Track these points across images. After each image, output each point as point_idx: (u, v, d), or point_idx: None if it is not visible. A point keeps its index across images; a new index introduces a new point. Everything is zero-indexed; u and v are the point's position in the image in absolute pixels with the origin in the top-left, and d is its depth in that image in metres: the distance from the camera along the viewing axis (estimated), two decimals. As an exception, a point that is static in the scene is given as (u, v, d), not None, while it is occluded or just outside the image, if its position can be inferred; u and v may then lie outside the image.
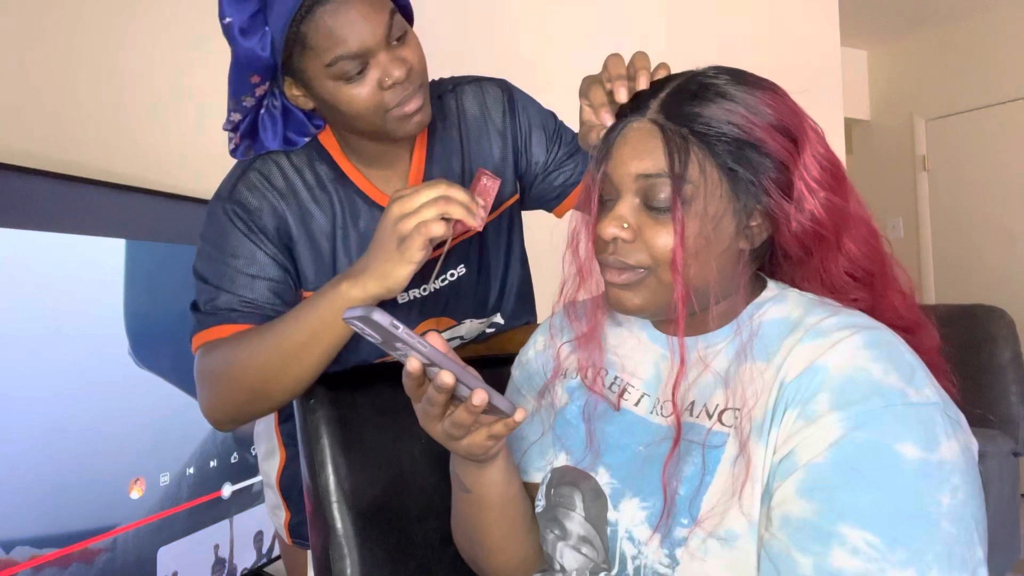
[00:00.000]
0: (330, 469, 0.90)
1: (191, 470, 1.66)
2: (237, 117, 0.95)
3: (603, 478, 0.73)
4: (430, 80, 1.01)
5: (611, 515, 0.71)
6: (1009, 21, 3.69)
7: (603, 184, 0.70)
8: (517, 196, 1.10)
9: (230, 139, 1.00)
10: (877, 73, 4.35)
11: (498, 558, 0.81)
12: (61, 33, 1.75)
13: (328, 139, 1.00)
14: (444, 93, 1.07)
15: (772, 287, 0.74)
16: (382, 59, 0.88)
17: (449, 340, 1.10)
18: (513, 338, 1.15)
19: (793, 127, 0.67)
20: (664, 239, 0.66)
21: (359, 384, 0.98)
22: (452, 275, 1.05)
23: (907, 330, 0.70)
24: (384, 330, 0.58)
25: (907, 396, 0.60)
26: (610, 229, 0.68)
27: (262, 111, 0.96)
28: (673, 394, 0.69)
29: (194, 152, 1.92)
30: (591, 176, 0.72)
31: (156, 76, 1.90)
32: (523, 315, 1.19)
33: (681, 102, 0.67)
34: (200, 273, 0.97)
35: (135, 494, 1.51)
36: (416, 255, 0.81)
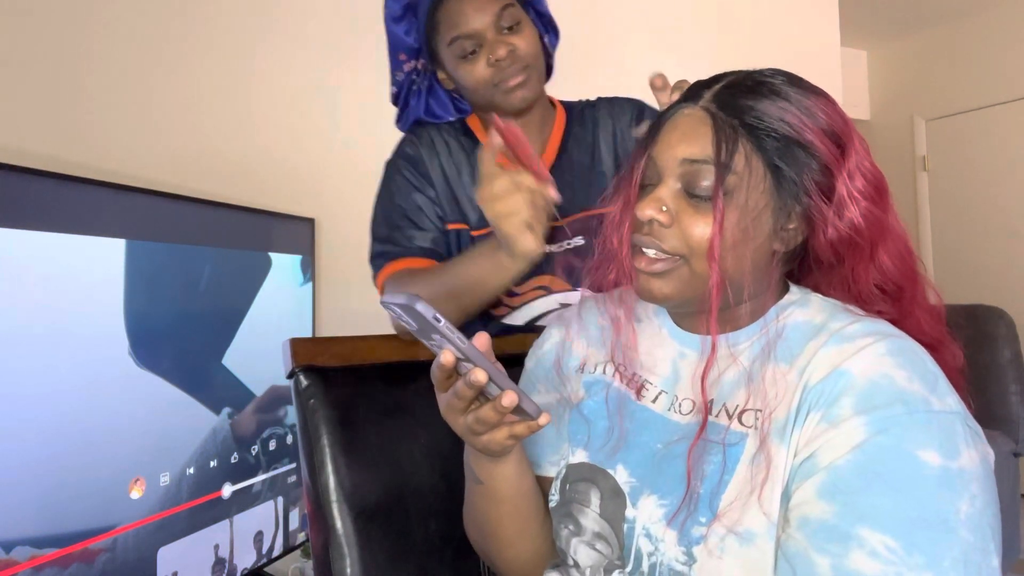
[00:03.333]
0: (330, 469, 0.90)
1: (191, 470, 1.66)
2: (393, 90, 1.21)
3: (622, 476, 0.73)
4: (577, 100, 1.27)
5: (629, 512, 0.70)
6: (1009, 21, 3.69)
7: (647, 167, 0.70)
8: None
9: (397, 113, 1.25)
10: (877, 73, 4.34)
11: (509, 552, 0.81)
12: (60, 32, 1.75)
13: (473, 122, 1.23)
14: (585, 107, 1.28)
15: (795, 291, 0.74)
16: (491, 40, 1.08)
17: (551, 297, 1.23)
18: (514, 337, 1.15)
19: (842, 134, 0.67)
20: (701, 228, 0.66)
21: (359, 384, 0.98)
22: (569, 244, 1.19)
23: (930, 347, 0.69)
24: (425, 321, 0.59)
25: (930, 404, 0.60)
26: (648, 211, 0.67)
27: (412, 87, 1.20)
28: (702, 382, 0.69)
29: (194, 152, 1.92)
30: (635, 157, 0.72)
31: (156, 76, 1.90)
32: None
33: (735, 95, 0.67)
34: (378, 224, 1.18)
35: (135, 494, 1.51)
36: (509, 234, 0.90)
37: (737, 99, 0.67)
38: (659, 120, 0.72)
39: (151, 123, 1.88)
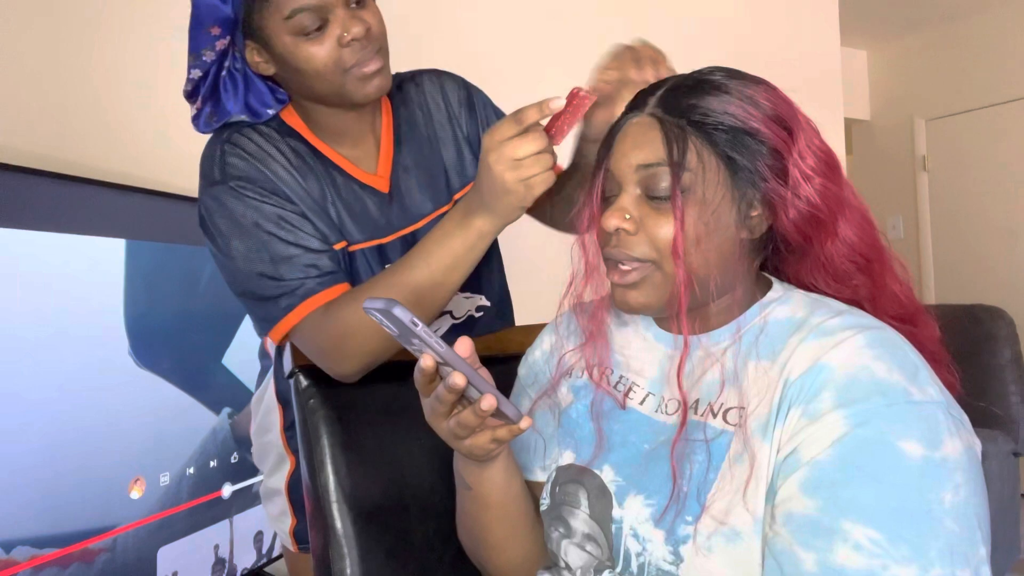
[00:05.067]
0: (330, 469, 0.90)
1: (191, 470, 1.66)
2: (197, 74, 0.94)
3: (608, 475, 0.73)
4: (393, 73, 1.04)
5: (616, 512, 0.71)
6: (1009, 21, 3.69)
7: (605, 179, 0.72)
8: None
9: (192, 109, 0.97)
10: (877, 73, 4.34)
11: (500, 557, 0.81)
12: (61, 33, 1.75)
13: (292, 118, 1.00)
14: (403, 82, 1.08)
15: (778, 288, 0.75)
16: (340, 15, 0.88)
17: (439, 316, 1.09)
18: (513, 338, 1.15)
19: (788, 118, 0.69)
20: (666, 229, 0.67)
21: (359, 384, 0.98)
22: None
23: (909, 320, 0.71)
24: (403, 325, 0.59)
25: (910, 394, 0.60)
26: (612, 221, 0.69)
27: (223, 73, 0.95)
28: (678, 379, 0.70)
29: (195, 152, 1.92)
30: (594, 172, 0.74)
31: (157, 75, 1.89)
32: (506, 313, 1.19)
33: (679, 96, 0.70)
34: (247, 268, 0.92)
35: (135, 494, 1.51)
36: (534, 197, 0.81)
37: (680, 99, 0.69)
38: (610, 133, 0.73)
39: (152, 123, 1.87)
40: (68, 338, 1.38)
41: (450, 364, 0.62)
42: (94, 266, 1.45)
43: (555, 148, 0.82)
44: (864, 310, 0.72)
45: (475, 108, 1.10)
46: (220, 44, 0.92)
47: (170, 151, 1.89)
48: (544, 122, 0.79)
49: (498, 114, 1.12)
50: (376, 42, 0.91)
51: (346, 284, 0.95)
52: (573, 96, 0.78)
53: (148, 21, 1.89)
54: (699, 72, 0.72)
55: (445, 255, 0.86)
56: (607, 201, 0.72)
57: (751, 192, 0.68)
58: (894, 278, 0.74)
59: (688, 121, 0.68)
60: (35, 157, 1.56)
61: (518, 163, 0.78)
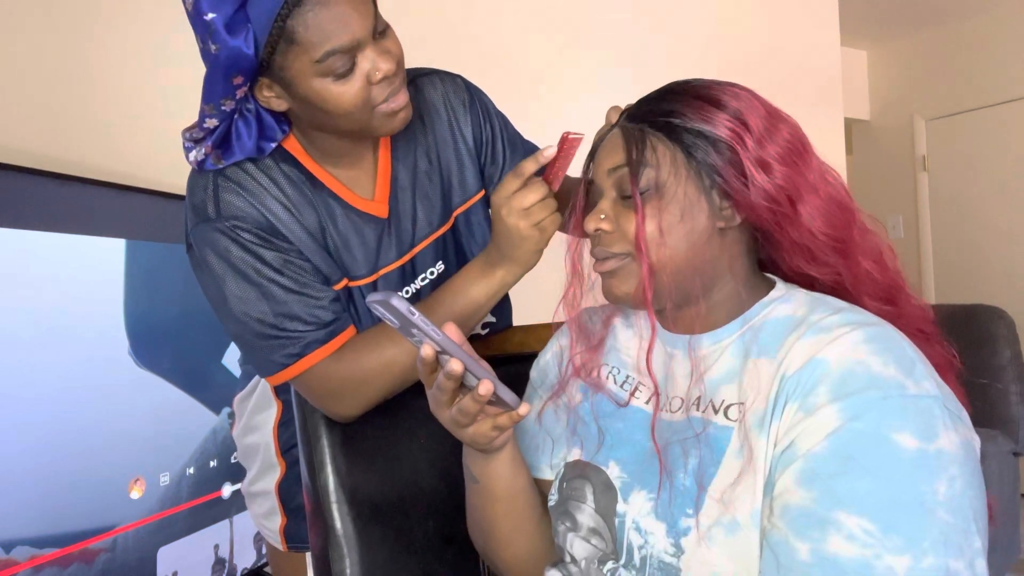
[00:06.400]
0: (330, 469, 0.90)
1: (191, 470, 1.66)
2: (213, 124, 0.88)
3: (613, 472, 0.75)
4: None
5: (620, 507, 0.73)
6: (1009, 21, 3.69)
7: (591, 190, 0.78)
8: (484, 191, 1.09)
9: (187, 148, 0.92)
10: (877, 73, 4.34)
11: (507, 551, 0.83)
12: (60, 32, 1.76)
13: (289, 142, 0.95)
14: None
15: (780, 287, 0.76)
16: (370, 53, 0.84)
17: None
18: (512, 338, 1.15)
19: (746, 111, 0.71)
20: (635, 224, 0.71)
21: (359, 384, 0.98)
22: (432, 273, 1.04)
23: (891, 300, 0.73)
24: (402, 316, 0.61)
25: (906, 388, 0.61)
26: (591, 224, 0.75)
27: (236, 116, 0.90)
28: (648, 363, 0.74)
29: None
30: (579, 184, 0.81)
31: (158, 75, 1.90)
32: (504, 314, 1.19)
33: (643, 105, 0.76)
34: (243, 313, 0.89)
35: (135, 494, 1.51)
36: (549, 239, 0.90)
37: (643, 108, 0.75)
38: (593, 148, 0.80)
39: (153, 123, 1.88)
40: (68, 338, 1.38)
41: (448, 352, 0.64)
42: (94, 266, 1.45)
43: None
44: (847, 292, 0.74)
45: (478, 114, 1.07)
46: (240, 92, 0.86)
47: (170, 151, 1.89)
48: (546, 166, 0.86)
49: (499, 117, 1.10)
50: (401, 74, 0.88)
51: (352, 328, 0.93)
52: (563, 140, 0.84)
53: (148, 19, 1.89)
54: (667, 84, 0.76)
55: (468, 304, 0.92)
56: (592, 207, 0.77)
57: (712, 184, 0.71)
58: (866, 256, 0.75)
59: (649, 123, 0.73)
60: (35, 157, 1.56)
61: (527, 211, 0.85)
